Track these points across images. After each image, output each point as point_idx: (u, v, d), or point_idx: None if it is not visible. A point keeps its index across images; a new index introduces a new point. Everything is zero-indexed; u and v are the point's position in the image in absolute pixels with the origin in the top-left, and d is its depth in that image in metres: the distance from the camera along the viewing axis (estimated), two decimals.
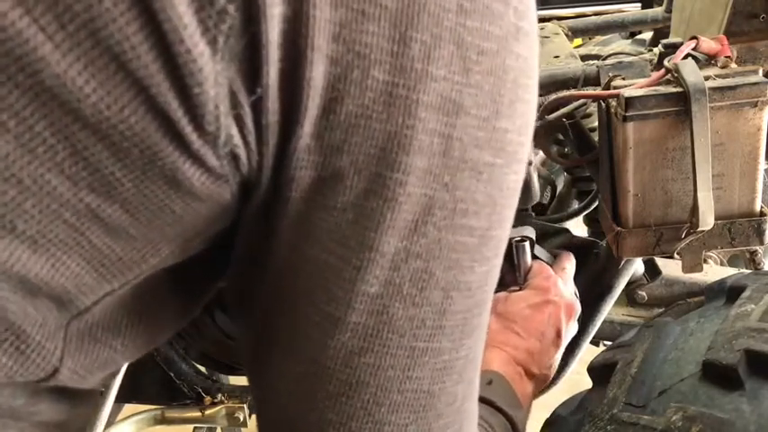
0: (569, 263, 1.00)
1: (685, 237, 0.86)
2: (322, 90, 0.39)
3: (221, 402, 1.22)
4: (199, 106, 0.38)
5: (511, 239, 0.94)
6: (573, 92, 0.99)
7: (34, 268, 0.41)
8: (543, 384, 0.88)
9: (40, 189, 0.39)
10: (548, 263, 0.97)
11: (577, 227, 1.22)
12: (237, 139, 0.40)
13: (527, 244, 0.95)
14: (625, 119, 0.84)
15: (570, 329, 0.92)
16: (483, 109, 0.43)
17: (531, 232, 0.97)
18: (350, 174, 0.41)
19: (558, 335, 0.89)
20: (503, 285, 0.95)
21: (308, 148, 0.41)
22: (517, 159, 0.46)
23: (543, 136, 1.01)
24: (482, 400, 0.73)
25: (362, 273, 0.43)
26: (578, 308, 0.93)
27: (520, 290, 0.93)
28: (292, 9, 0.38)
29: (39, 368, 0.45)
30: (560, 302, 0.90)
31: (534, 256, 0.97)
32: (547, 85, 1.05)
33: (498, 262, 0.50)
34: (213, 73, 0.37)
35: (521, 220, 1.12)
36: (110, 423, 1.18)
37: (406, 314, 0.45)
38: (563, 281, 0.95)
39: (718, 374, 0.76)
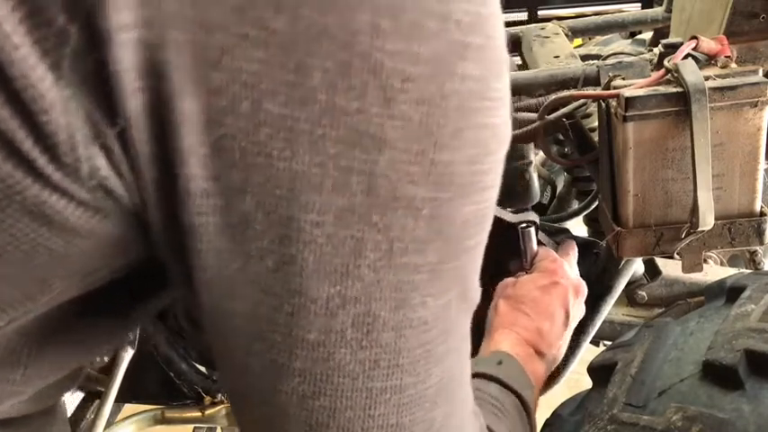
0: (573, 249, 1.01)
1: (685, 237, 0.86)
2: (205, 125, 0.35)
3: (221, 402, 1.22)
4: (49, 136, 0.35)
5: (516, 225, 0.96)
6: (573, 92, 0.99)
7: None
8: (553, 364, 0.89)
9: None
10: (551, 248, 0.99)
11: (577, 227, 1.22)
12: (107, 171, 0.36)
13: (532, 229, 0.96)
14: (625, 119, 0.83)
15: (578, 310, 0.93)
16: (414, 142, 0.38)
17: (534, 216, 0.98)
18: (258, 218, 0.37)
19: (567, 315, 0.89)
20: (507, 272, 0.96)
21: (205, 191, 0.37)
22: (476, 189, 0.42)
23: (543, 136, 1.01)
24: (493, 379, 0.73)
25: (296, 319, 0.40)
26: (585, 289, 0.94)
27: (527, 274, 0.94)
28: (153, 33, 0.34)
29: None
30: (568, 284, 0.91)
31: (539, 242, 0.98)
32: (547, 85, 1.05)
33: (466, 286, 0.46)
34: (60, 100, 0.34)
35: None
36: (110, 423, 1.18)
37: (354, 358, 0.42)
38: (569, 264, 0.96)
39: (718, 374, 0.76)
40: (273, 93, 0.35)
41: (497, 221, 0.95)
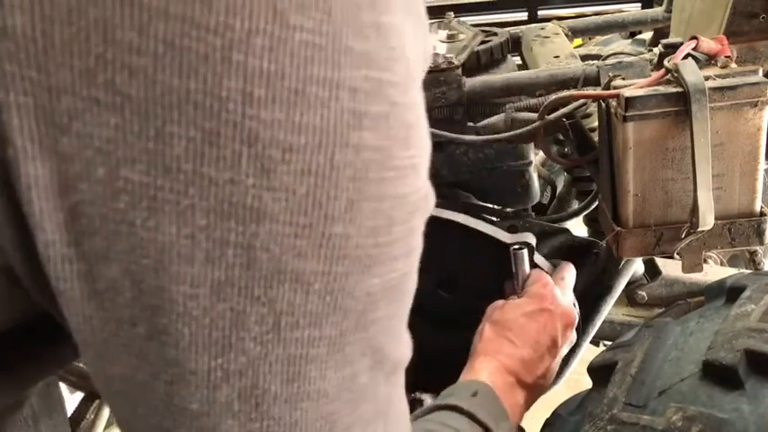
0: (569, 273, 0.97)
1: (685, 237, 0.86)
2: (58, 190, 0.33)
3: None
4: None
5: (509, 247, 0.93)
6: (573, 92, 0.99)
7: None
8: (538, 394, 0.86)
9: None
10: (547, 272, 0.95)
11: (577, 227, 1.22)
12: None
13: (525, 251, 0.93)
14: (625, 119, 0.84)
15: (568, 339, 0.90)
16: (300, 215, 0.35)
17: (531, 239, 0.95)
18: (126, 285, 0.35)
19: (554, 344, 0.87)
20: (502, 293, 0.94)
21: (66, 257, 0.35)
22: (381, 262, 0.39)
23: (543, 136, 1.01)
24: (464, 413, 0.71)
25: (177, 388, 0.37)
26: (576, 317, 0.91)
27: (517, 297, 0.91)
28: None
29: None
30: (556, 311, 0.88)
31: (534, 264, 0.95)
32: (547, 85, 1.06)
33: (386, 353, 0.43)
34: None
35: (521, 219, 1.12)
36: (110, 423, 1.18)
37: (244, 429, 0.39)
38: (561, 290, 0.92)
39: (718, 374, 0.76)
40: (132, 160, 0.33)
41: (492, 241, 0.95)
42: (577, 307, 0.96)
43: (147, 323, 0.36)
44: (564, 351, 0.90)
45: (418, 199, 0.41)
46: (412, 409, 0.56)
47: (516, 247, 0.93)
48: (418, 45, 0.40)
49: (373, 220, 0.38)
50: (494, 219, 1.13)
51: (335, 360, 0.40)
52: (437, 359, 0.85)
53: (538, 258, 0.96)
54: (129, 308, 0.36)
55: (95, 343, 0.38)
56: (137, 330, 0.36)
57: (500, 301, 0.90)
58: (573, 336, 0.91)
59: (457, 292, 1.03)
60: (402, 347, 0.46)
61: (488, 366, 0.81)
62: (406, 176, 0.39)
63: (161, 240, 0.34)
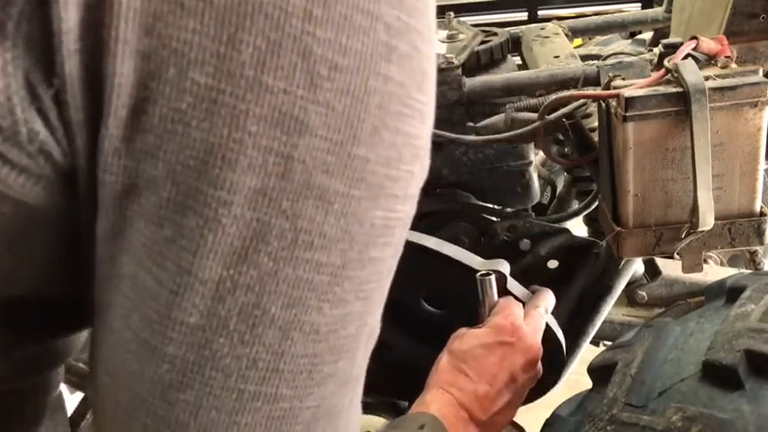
0: (545, 300, 0.92)
1: (685, 237, 0.86)
2: (131, 88, 0.36)
3: None
4: None
5: (475, 274, 0.90)
6: (573, 92, 0.99)
7: None
8: (494, 431, 0.82)
9: None
10: (521, 299, 0.90)
11: (577, 227, 1.22)
12: (45, 136, 0.37)
13: (492, 278, 0.89)
14: (625, 119, 0.84)
15: (529, 374, 0.84)
16: (335, 132, 0.38)
17: (503, 267, 0.91)
18: (166, 185, 0.37)
19: (513, 379, 0.82)
20: (475, 322, 0.89)
21: (118, 152, 0.37)
22: (386, 195, 0.41)
23: (543, 136, 1.01)
24: None
25: (179, 299, 0.39)
26: (539, 351, 0.86)
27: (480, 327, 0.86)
28: None
29: None
30: (517, 344, 0.83)
31: (507, 292, 0.90)
32: (547, 85, 1.06)
33: (368, 309, 0.44)
34: (1, 61, 0.34)
35: (521, 219, 1.12)
36: None
37: (232, 352, 0.40)
38: (532, 320, 0.87)
39: (718, 375, 0.76)
40: (202, 63, 0.35)
41: (464, 267, 0.93)
42: (559, 332, 0.92)
43: (174, 226, 0.38)
44: (527, 386, 0.85)
45: (421, 146, 0.43)
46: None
47: (482, 273, 0.89)
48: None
49: (388, 150, 0.40)
50: (494, 219, 1.13)
51: (333, 294, 0.41)
52: (422, 372, 0.84)
53: (512, 285, 0.91)
54: (161, 208, 0.38)
55: (118, 239, 0.39)
56: (162, 232, 0.38)
57: (462, 330, 0.86)
58: (539, 369, 0.86)
59: (442, 306, 1.02)
60: (377, 325, 0.47)
61: (440, 399, 0.78)
62: (416, 118, 0.42)
63: (211, 142, 0.36)
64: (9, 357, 0.48)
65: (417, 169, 0.43)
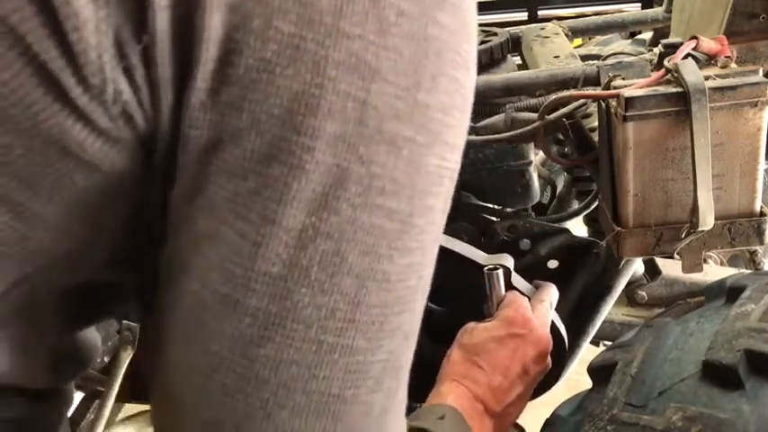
0: (549, 295, 0.93)
1: (685, 237, 0.86)
2: (219, 41, 0.37)
3: None
4: (79, 55, 0.36)
5: (483, 268, 0.90)
6: (573, 92, 0.99)
7: None
8: (508, 422, 0.82)
9: None
10: (526, 294, 0.91)
11: (577, 227, 1.22)
12: (129, 96, 0.37)
13: (500, 272, 0.89)
14: (625, 119, 0.84)
15: (540, 366, 0.85)
16: (402, 77, 0.39)
17: (508, 261, 0.91)
18: (250, 136, 0.38)
19: (525, 371, 0.83)
20: (479, 317, 0.89)
21: (204, 105, 0.38)
22: (441, 141, 0.43)
23: (543, 136, 1.01)
24: None
25: (263, 249, 0.39)
26: (549, 343, 0.86)
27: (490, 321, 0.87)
28: None
29: None
30: (528, 336, 0.84)
31: (511, 286, 0.90)
32: (547, 85, 1.06)
33: (425, 261, 0.45)
34: (94, 19, 0.35)
35: (521, 219, 1.12)
36: (110, 423, 1.18)
37: (313, 302, 0.40)
38: (539, 314, 0.88)
39: (718, 374, 0.76)
40: (285, 11, 0.37)
41: (467, 262, 0.93)
42: (561, 327, 0.93)
43: (258, 177, 0.39)
44: (538, 378, 0.86)
45: (468, 96, 0.45)
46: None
47: (490, 267, 0.89)
48: None
49: (444, 96, 0.42)
50: (494, 218, 1.13)
51: (402, 242, 0.42)
52: (425, 368, 0.84)
53: (516, 280, 0.91)
54: (245, 160, 0.38)
55: (200, 197, 0.40)
56: (246, 185, 0.39)
57: (471, 324, 0.87)
58: (548, 362, 0.87)
59: (444, 303, 1.01)
60: (430, 274, 0.47)
61: (455, 391, 0.79)
62: (464, 68, 0.43)
63: (294, 89, 0.37)
64: (61, 342, 0.49)
65: (464, 119, 0.45)
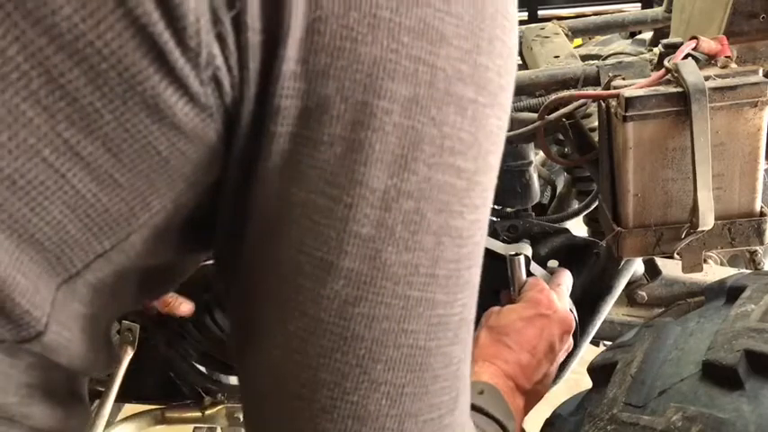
0: (565, 279, 0.98)
1: (685, 237, 0.86)
2: (305, 7, 0.38)
3: (221, 402, 1.22)
4: (179, 18, 0.37)
5: (505, 253, 0.94)
6: (573, 92, 0.99)
7: (14, 212, 0.39)
8: (536, 399, 0.86)
9: (15, 120, 0.37)
10: (543, 280, 0.95)
11: (577, 227, 1.22)
12: (220, 61, 0.39)
13: (522, 257, 0.94)
14: (625, 119, 0.84)
15: (565, 344, 0.89)
16: (464, 41, 0.42)
17: (527, 249, 0.97)
18: (336, 103, 0.40)
19: (552, 349, 0.86)
20: (498, 301, 0.93)
21: (294, 74, 0.39)
22: (499, 102, 0.45)
23: (543, 136, 1.01)
24: (475, 408, 0.71)
25: (354, 211, 0.41)
26: (573, 322, 0.91)
27: (514, 304, 0.91)
28: None
29: (22, 330, 0.43)
30: (554, 316, 0.88)
31: (530, 273, 0.95)
32: (547, 85, 1.06)
33: (486, 217, 0.48)
34: None
35: (521, 219, 1.12)
36: (110, 423, 1.18)
37: (399, 259, 0.43)
38: (560, 296, 0.92)
39: (718, 374, 0.76)
40: None
41: (488, 252, 0.94)
42: (575, 312, 0.95)
43: (345, 141, 0.40)
44: (561, 357, 0.89)
45: (514, 60, 0.47)
46: None
47: (512, 253, 0.94)
48: None
49: (498, 58, 0.44)
50: (494, 219, 1.13)
51: (470, 198, 0.45)
52: None
53: (534, 268, 0.96)
54: (331, 126, 0.40)
55: (289, 167, 0.41)
56: (333, 150, 0.41)
57: (495, 308, 0.90)
58: (570, 341, 0.91)
59: None
60: (486, 232, 0.50)
61: (488, 370, 0.81)
62: (512, 32, 0.46)
63: (374, 55, 0.39)
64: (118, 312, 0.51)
65: (512, 82, 0.47)
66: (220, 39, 0.38)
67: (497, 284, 0.95)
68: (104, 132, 0.39)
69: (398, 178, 0.42)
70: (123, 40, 0.36)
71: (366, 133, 0.40)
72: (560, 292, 0.93)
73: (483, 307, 0.90)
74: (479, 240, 0.48)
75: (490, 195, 0.48)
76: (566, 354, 0.90)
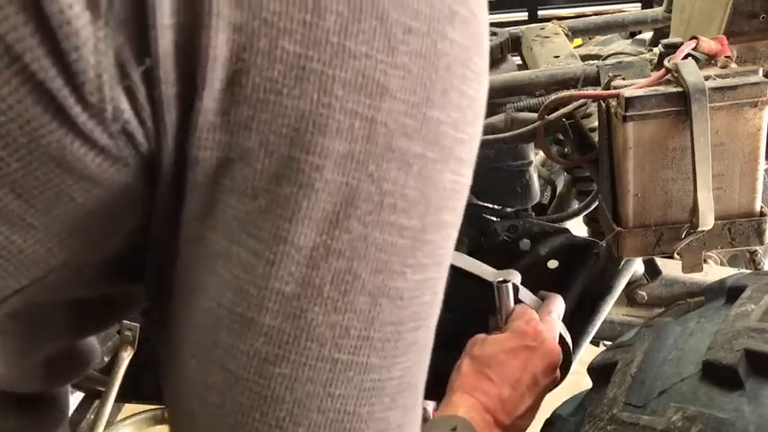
0: (556, 306, 0.94)
1: (685, 237, 0.86)
2: (225, 61, 0.37)
3: None
4: (78, 74, 0.36)
5: (493, 281, 0.91)
6: (573, 92, 0.99)
7: None
8: None
9: None
10: (533, 307, 0.92)
11: (577, 227, 1.22)
12: (129, 115, 0.37)
13: (509, 285, 0.91)
14: (625, 119, 0.84)
15: (550, 378, 0.86)
16: (411, 94, 0.39)
17: (515, 277, 0.93)
18: (259, 156, 0.38)
19: (535, 383, 0.83)
20: (487, 329, 0.91)
21: (213, 126, 0.38)
22: (455, 157, 0.43)
23: (543, 136, 1.01)
24: None
25: (276, 268, 0.40)
26: (560, 355, 0.88)
27: (500, 333, 0.88)
28: None
29: None
30: (539, 349, 0.85)
31: (519, 301, 0.92)
32: (547, 85, 1.06)
33: (439, 276, 0.45)
34: (94, 39, 0.35)
35: (521, 219, 1.12)
36: (110, 423, 1.18)
37: (326, 320, 0.41)
38: (547, 325, 0.89)
39: (718, 374, 0.76)
40: (291, 31, 0.37)
41: (477, 278, 0.93)
42: (567, 336, 0.93)
43: (269, 195, 0.39)
44: (546, 391, 0.86)
45: (480, 110, 0.45)
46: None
47: (500, 280, 0.91)
48: None
49: (456, 112, 0.42)
50: (494, 219, 1.13)
51: (415, 258, 0.43)
52: (436, 376, 0.84)
53: (523, 294, 0.93)
54: (255, 180, 0.39)
55: (211, 216, 0.40)
56: (256, 203, 0.39)
57: (481, 335, 0.88)
58: (557, 374, 0.88)
59: (454, 311, 1.01)
60: (443, 288, 0.47)
61: (466, 403, 0.79)
62: (476, 82, 0.43)
63: (302, 108, 0.38)
64: (59, 349, 0.49)
65: (476, 133, 0.45)
66: (129, 93, 0.37)
67: (487, 308, 0.92)
68: (12, 179, 0.38)
69: (328, 236, 0.40)
70: (21, 95, 0.35)
71: (292, 189, 0.38)
72: (549, 321, 0.90)
73: (472, 331, 0.89)
74: (430, 300, 0.45)
75: (445, 252, 0.45)
76: (552, 387, 0.88)
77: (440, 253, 0.44)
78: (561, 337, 0.92)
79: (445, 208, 0.44)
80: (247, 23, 0.36)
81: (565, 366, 0.94)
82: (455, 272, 0.93)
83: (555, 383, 0.88)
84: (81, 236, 0.41)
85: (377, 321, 0.42)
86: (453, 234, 0.46)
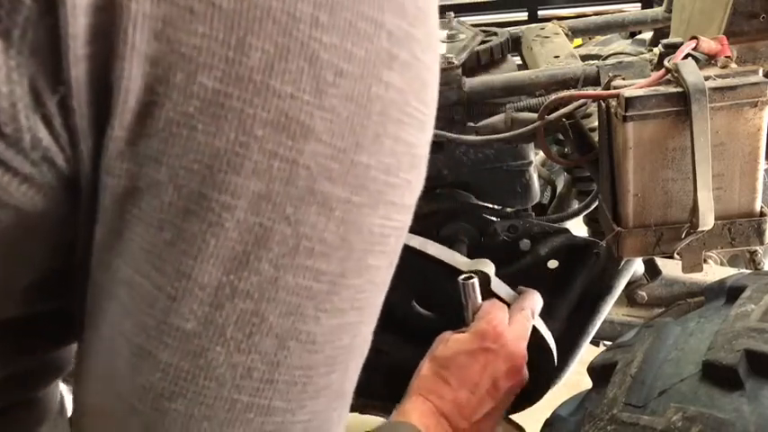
0: (531, 302, 0.90)
1: (685, 237, 0.86)
2: (139, 92, 0.36)
3: None
4: None
5: (459, 275, 0.88)
6: (573, 92, 0.99)
7: None
8: None
9: None
10: (507, 301, 0.89)
11: (577, 227, 1.22)
12: (49, 142, 0.36)
13: (475, 281, 0.87)
14: (625, 119, 0.84)
15: (513, 381, 0.83)
16: (339, 138, 0.38)
17: (488, 267, 0.90)
18: (168, 189, 0.37)
19: (495, 386, 0.81)
20: (463, 324, 0.88)
21: (121, 154, 0.37)
22: (386, 201, 0.41)
23: (543, 136, 1.01)
24: None
25: (177, 304, 0.38)
26: (524, 357, 0.84)
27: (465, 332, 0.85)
28: (104, 0, 0.34)
29: None
30: (500, 351, 0.82)
31: (491, 293, 0.89)
32: (547, 85, 1.06)
33: (362, 320, 0.44)
34: (5, 68, 0.34)
35: (521, 219, 1.12)
36: None
37: (228, 360, 0.40)
38: (517, 325, 0.86)
39: (718, 375, 0.76)
40: (210, 67, 0.35)
41: (449, 267, 0.91)
42: (548, 334, 0.91)
43: (175, 229, 0.37)
44: (510, 394, 0.84)
45: (419, 156, 0.43)
46: None
47: (464, 277, 0.88)
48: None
49: (388, 157, 0.40)
50: (494, 219, 1.13)
51: (331, 303, 0.41)
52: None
53: (497, 286, 0.90)
54: (162, 212, 0.37)
55: (117, 242, 0.39)
56: (162, 236, 0.38)
57: (447, 333, 0.86)
58: (525, 374, 0.85)
59: (432, 308, 1.01)
60: (370, 330, 0.46)
61: (420, 407, 0.78)
62: (415, 127, 0.42)
63: (216, 146, 0.36)
64: (5, 370, 0.48)
65: (415, 178, 0.43)
66: (46, 121, 0.36)
67: (458, 303, 0.89)
68: None
69: (236, 276, 0.38)
70: None
71: (200, 226, 0.37)
72: (520, 318, 0.86)
73: (452, 327, 0.88)
74: (349, 344, 0.44)
75: (369, 296, 0.44)
76: (516, 390, 0.85)
77: (362, 297, 0.43)
78: (538, 335, 0.89)
79: (371, 252, 0.42)
80: (164, 57, 0.35)
81: (546, 367, 0.92)
82: (427, 259, 0.92)
83: (521, 384, 0.85)
84: (7, 259, 0.40)
85: (283, 365, 0.41)
86: (382, 278, 0.44)
